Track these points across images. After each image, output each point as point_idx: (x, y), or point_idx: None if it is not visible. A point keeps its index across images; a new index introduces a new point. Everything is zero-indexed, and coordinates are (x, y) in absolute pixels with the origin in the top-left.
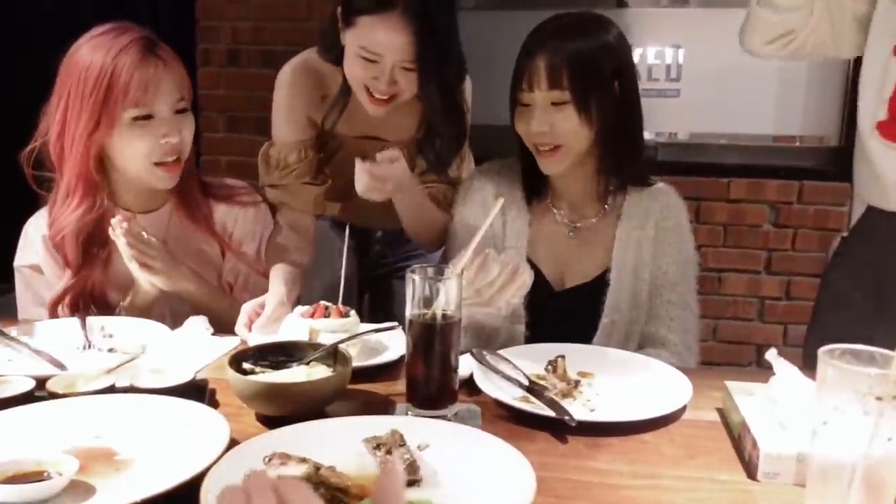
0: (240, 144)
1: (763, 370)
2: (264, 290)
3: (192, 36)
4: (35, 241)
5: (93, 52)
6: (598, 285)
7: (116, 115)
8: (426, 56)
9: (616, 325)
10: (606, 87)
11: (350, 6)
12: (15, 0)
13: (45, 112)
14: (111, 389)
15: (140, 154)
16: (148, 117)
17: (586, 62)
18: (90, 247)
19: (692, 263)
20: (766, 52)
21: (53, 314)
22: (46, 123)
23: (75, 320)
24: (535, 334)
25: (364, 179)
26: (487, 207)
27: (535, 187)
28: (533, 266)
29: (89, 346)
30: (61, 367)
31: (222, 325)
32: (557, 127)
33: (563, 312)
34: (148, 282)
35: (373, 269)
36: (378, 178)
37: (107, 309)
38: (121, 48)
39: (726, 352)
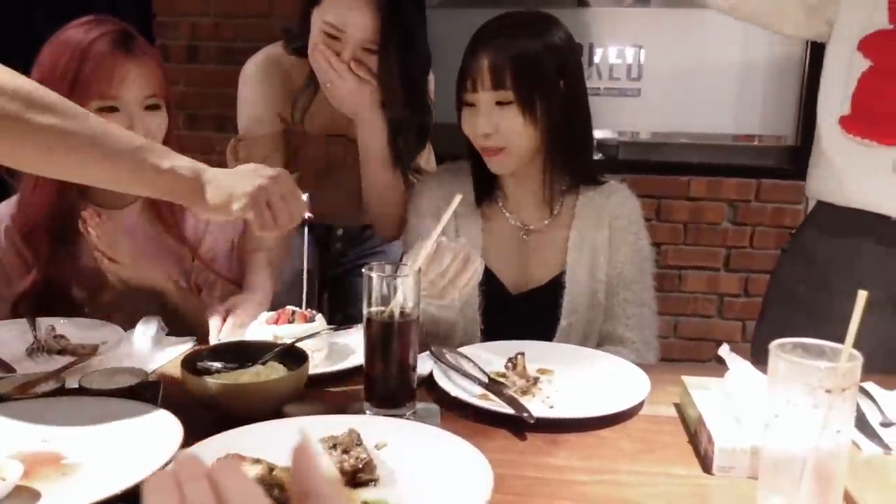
0: (199, 142)
1: (721, 366)
2: (233, 294)
3: (150, 32)
4: None
5: (64, 44)
6: (555, 288)
7: (82, 104)
8: (389, 40)
9: (574, 327)
10: (551, 86)
11: None
12: None
13: None
14: (60, 391)
15: None
16: (113, 109)
17: (530, 61)
18: (59, 240)
19: (648, 260)
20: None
21: (15, 311)
22: None
23: (24, 321)
24: (492, 339)
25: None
26: (441, 208)
27: (485, 189)
28: (488, 271)
29: (39, 348)
30: (9, 369)
31: (188, 326)
32: (502, 127)
33: (520, 316)
34: (115, 276)
35: (332, 267)
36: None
37: (71, 307)
38: (91, 40)
39: (687, 348)
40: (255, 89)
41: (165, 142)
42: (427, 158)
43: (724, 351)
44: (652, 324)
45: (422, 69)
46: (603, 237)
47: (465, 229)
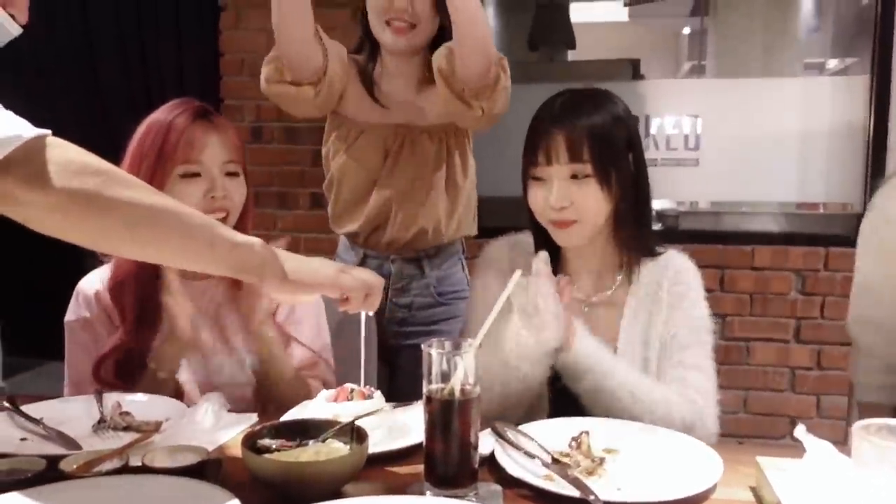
0: (262, 218)
1: (797, 443)
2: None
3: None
4: (88, 296)
5: (151, 123)
6: None
7: (168, 171)
8: None
9: None
10: (622, 158)
11: None
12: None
13: None
14: (124, 469)
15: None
16: (195, 175)
17: (604, 134)
18: (145, 305)
19: (706, 330)
20: None
21: (97, 373)
22: None
23: (92, 397)
24: (556, 412)
25: None
26: (504, 280)
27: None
28: None
29: (105, 424)
30: (75, 445)
31: (282, 398)
32: (578, 201)
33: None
34: (185, 332)
35: (393, 338)
36: None
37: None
38: (175, 116)
39: (758, 424)
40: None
41: (244, 210)
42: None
43: (800, 432)
44: (710, 391)
45: None
46: (659, 305)
47: (541, 297)
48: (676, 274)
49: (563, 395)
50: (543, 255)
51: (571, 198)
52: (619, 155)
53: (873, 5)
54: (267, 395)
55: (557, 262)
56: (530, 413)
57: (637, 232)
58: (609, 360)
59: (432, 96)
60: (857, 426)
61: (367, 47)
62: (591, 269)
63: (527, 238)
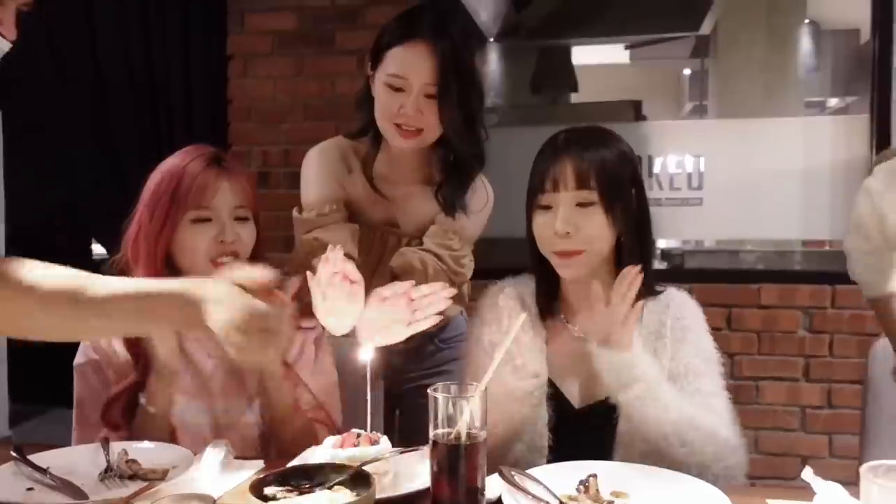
0: (269, 262)
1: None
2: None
3: None
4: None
5: (164, 168)
6: None
7: (179, 216)
8: (448, 78)
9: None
10: (627, 192)
11: (379, 45)
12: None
13: (129, 226)
14: None
15: (198, 252)
16: (207, 220)
17: (611, 166)
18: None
19: (715, 360)
20: None
21: (106, 415)
22: (128, 234)
23: (98, 446)
24: (559, 454)
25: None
26: (503, 324)
27: (549, 302)
28: (552, 384)
29: (111, 472)
30: (82, 495)
31: (287, 441)
32: (583, 228)
33: (585, 430)
34: (174, 369)
35: (400, 383)
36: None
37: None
38: (189, 160)
39: (770, 464)
40: (317, 164)
41: (254, 254)
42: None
43: (807, 475)
44: (733, 418)
45: (478, 101)
46: (663, 342)
47: (529, 344)
48: (678, 309)
49: (563, 448)
50: (523, 316)
51: (577, 224)
52: (624, 188)
53: (871, 44)
54: (273, 438)
55: (558, 300)
56: (529, 458)
57: (645, 268)
58: (659, 369)
59: (430, 199)
60: (865, 468)
61: (370, 133)
62: (591, 308)
63: (526, 280)
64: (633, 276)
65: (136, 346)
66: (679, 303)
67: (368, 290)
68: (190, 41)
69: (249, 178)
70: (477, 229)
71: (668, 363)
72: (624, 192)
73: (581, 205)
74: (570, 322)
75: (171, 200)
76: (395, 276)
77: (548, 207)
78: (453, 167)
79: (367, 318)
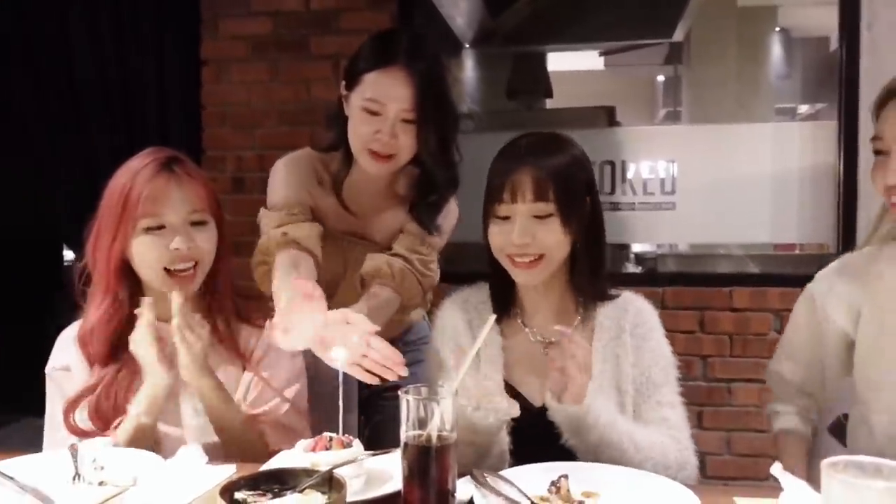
0: (243, 268)
1: (779, 485)
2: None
3: (199, 166)
4: (68, 342)
5: (120, 175)
6: None
7: (131, 226)
8: (425, 104)
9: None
10: (582, 200)
11: (356, 69)
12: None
13: (88, 232)
14: None
15: (152, 260)
16: (160, 227)
17: (568, 175)
18: (118, 349)
19: (672, 366)
20: None
21: (68, 418)
22: (88, 240)
23: (67, 452)
24: (521, 457)
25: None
26: (458, 335)
27: (503, 306)
28: (510, 388)
29: (79, 479)
30: (49, 502)
31: (229, 446)
32: (540, 238)
33: (546, 429)
34: (162, 377)
35: (364, 387)
36: None
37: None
38: (141, 167)
39: (742, 465)
40: (285, 173)
41: (218, 256)
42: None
43: (776, 470)
44: (686, 427)
45: (453, 124)
46: (625, 348)
47: (486, 348)
48: (637, 315)
49: (525, 449)
50: (492, 318)
51: (534, 234)
52: (579, 196)
53: (839, 52)
54: (222, 444)
55: (514, 305)
56: (494, 463)
57: (592, 274)
58: (612, 410)
59: (398, 212)
60: (826, 464)
61: (342, 150)
62: (548, 311)
63: (479, 290)
64: (572, 340)
65: (92, 350)
66: (638, 307)
67: (332, 296)
68: (164, 46)
69: (206, 182)
70: (444, 240)
71: (630, 369)
72: (579, 199)
73: (537, 217)
74: (526, 325)
75: (122, 210)
76: (363, 281)
77: (505, 218)
78: (427, 188)
79: (322, 331)
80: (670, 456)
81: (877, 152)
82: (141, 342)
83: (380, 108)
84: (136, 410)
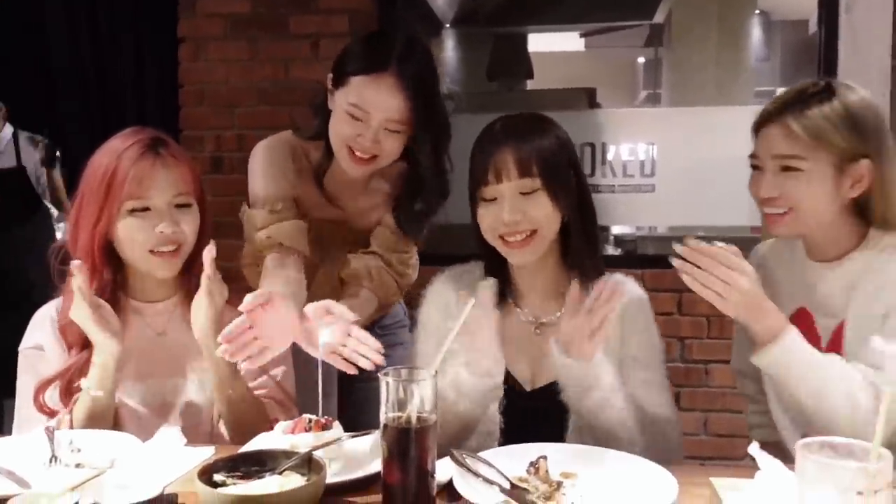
0: (222, 248)
1: (755, 464)
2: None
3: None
4: (43, 322)
5: (103, 154)
6: None
7: (115, 207)
8: (416, 114)
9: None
10: (568, 177)
11: (344, 68)
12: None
13: (70, 210)
14: None
15: (137, 242)
16: (145, 209)
17: (551, 152)
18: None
19: (659, 350)
20: None
21: (38, 399)
22: (69, 220)
23: (43, 434)
24: (509, 436)
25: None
26: (450, 311)
27: (498, 287)
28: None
29: (56, 461)
30: (24, 484)
31: (233, 420)
32: (530, 214)
33: (536, 412)
34: (109, 344)
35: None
36: None
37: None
38: (125, 148)
39: (719, 446)
40: (265, 160)
41: (199, 241)
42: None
43: (753, 449)
44: (673, 404)
45: (444, 137)
46: (614, 328)
47: (479, 329)
48: (628, 296)
49: (515, 431)
50: (490, 283)
51: (524, 210)
52: (563, 171)
53: (817, 35)
54: (225, 416)
55: (506, 285)
56: (482, 442)
57: (587, 252)
58: (615, 375)
59: (377, 196)
60: (801, 444)
61: (324, 142)
62: (539, 291)
63: (473, 268)
64: (614, 288)
65: (70, 334)
66: (629, 289)
67: (310, 283)
68: (140, 23)
69: (191, 164)
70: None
71: (619, 349)
72: (565, 176)
73: (524, 193)
74: (518, 306)
75: (107, 191)
76: (342, 281)
77: (492, 199)
78: (414, 191)
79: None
80: (670, 432)
81: (753, 167)
82: (76, 308)
83: (363, 115)
84: (87, 384)
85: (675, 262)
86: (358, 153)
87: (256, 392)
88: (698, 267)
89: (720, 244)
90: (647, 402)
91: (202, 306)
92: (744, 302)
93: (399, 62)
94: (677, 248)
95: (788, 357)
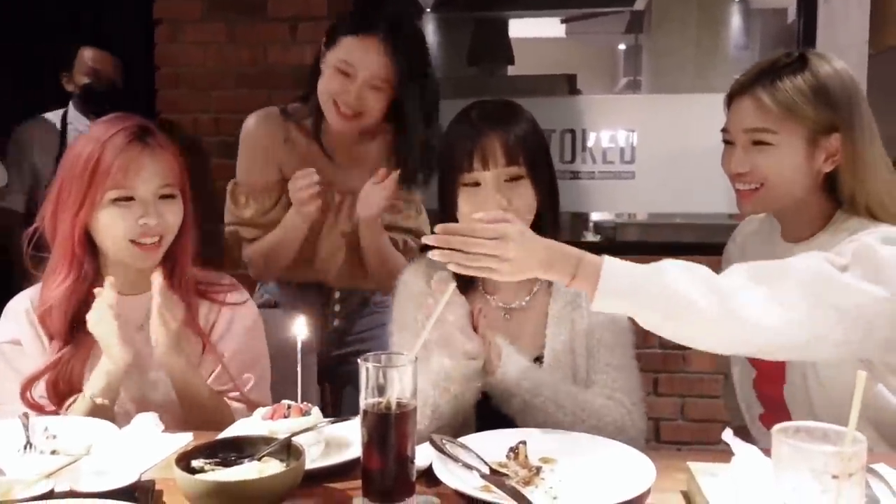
0: (201, 235)
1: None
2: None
3: None
4: (18, 314)
5: (87, 140)
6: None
7: (98, 196)
8: (401, 77)
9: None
10: (545, 164)
11: (336, 30)
12: None
13: (46, 196)
14: (50, 495)
15: (118, 233)
16: (129, 199)
17: (533, 139)
18: (77, 325)
19: (627, 331)
20: None
21: (25, 395)
22: (46, 206)
23: (18, 421)
24: (481, 422)
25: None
26: (421, 301)
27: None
28: None
29: (31, 448)
30: None
31: (194, 419)
32: (514, 202)
33: (507, 396)
34: (123, 357)
35: (335, 348)
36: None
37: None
38: (110, 135)
39: (695, 430)
40: (254, 136)
41: (181, 230)
42: (421, 214)
43: (727, 435)
44: (637, 389)
45: (433, 96)
46: (580, 311)
47: (450, 315)
48: None
49: (488, 414)
50: (444, 276)
51: (510, 199)
52: (543, 160)
53: (796, 24)
54: (185, 416)
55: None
56: (459, 432)
57: (553, 237)
58: (534, 377)
59: (374, 149)
60: (777, 429)
61: (312, 100)
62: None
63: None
64: (476, 314)
65: (53, 328)
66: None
67: (315, 243)
68: (116, 4)
69: (177, 154)
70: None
71: (585, 333)
72: (545, 164)
73: (508, 181)
74: (488, 293)
75: (90, 180)
76: (344, 237)
77: (476, 185)
78: (410, 155)
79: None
80: (606, 419)
81: (725, 142)
82: (101, 321)
83: (350, 70)
84: (92, 391)
85: (433, 253)
86: (342, 109)
87: (230, 396)
88: (460, 251)
89: (477, 215)
90: (609, 387)
91: (158, 332)
92: (519, 266)
93: (386, 26)
94: (427, 239)
95: (618, 282)
